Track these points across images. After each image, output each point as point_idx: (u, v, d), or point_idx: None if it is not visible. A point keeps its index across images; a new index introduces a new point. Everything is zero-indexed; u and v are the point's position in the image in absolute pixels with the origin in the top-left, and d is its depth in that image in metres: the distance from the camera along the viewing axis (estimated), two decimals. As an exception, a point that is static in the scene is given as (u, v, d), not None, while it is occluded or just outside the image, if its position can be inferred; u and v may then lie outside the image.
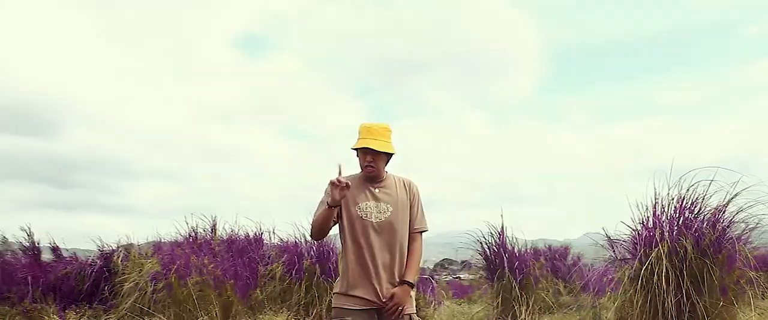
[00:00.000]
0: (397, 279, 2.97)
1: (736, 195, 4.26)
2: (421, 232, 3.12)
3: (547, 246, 11.81)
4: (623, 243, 4.82)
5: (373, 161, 2.96)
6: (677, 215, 4.44)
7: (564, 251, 12.13)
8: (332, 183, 2.75)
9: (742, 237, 4.21)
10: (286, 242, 8.13)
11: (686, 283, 4.09)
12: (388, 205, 3.00)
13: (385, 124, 3.03)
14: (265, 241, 8.44)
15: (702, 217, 4.39)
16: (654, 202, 4.57)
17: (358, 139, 2.98)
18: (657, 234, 4.39)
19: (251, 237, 8.35)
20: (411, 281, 2.99)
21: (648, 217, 4.64)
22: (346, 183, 2.76)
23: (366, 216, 2.96)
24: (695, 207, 4.41)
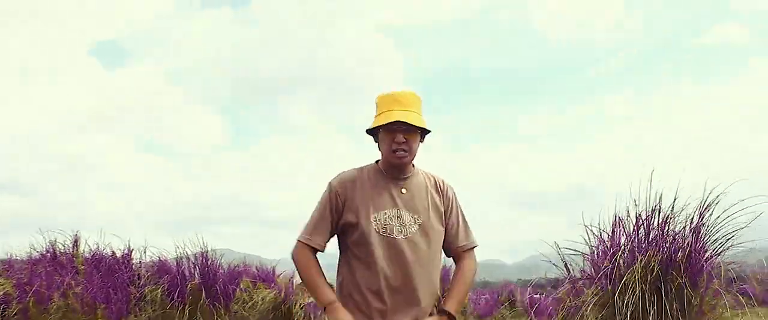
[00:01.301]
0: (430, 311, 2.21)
1: (708, 205, 3.82)
2: (471, 249, 2.33)
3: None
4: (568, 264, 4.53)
5: (407, 143, 2.13)
6: (646, 228, 3.99)
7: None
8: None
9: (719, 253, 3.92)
10: (165, 261, 7.17)
11: (666, 307, 3.59)
12: (416, 215, 2.19)
13: (414, 92, 2.20)
14: (134, 260, 7.56)
15: (674, 230, 3.98)
16: (615, 216, 4.28)
17: (378, 114, 2.17)
18: (626, 247, 3.94)
19: (119, 255, 7.41)
20: (451, 312, 2.20)
21: (605, 232, 4.22)
22: None
23: (386, 231, 2.13)
24: (670, 219, 4.07)
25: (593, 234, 4.37)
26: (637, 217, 4.13)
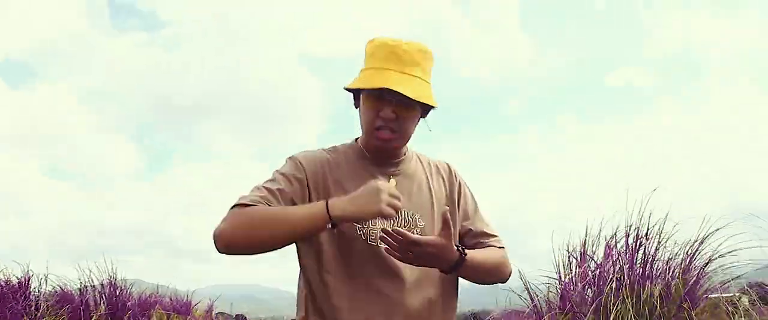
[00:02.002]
0: None
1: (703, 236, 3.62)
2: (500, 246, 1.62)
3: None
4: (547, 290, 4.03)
5: (398, 121, 1.45)
6: (636, 251, 3.71)
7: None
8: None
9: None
10: (67, 290, 6.46)
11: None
12: (416, 214, 1.52)
13: (422, 45, 1.47)
14: (32, 288, 6.69)
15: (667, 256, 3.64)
16: (607, 239, 3.82)
17: (365, 69, 1.48)
18: (614, 270, 3.41)
19: (15, 283, 6.51)
20: (466, 255, 1.44)
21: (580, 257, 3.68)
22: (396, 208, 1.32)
23: (375, 238, 1.45)
24: (660, 245, 3.68)
25: (568, 259, 3.93)
26: (634, 241, 3.68)
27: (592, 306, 3.41)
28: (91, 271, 6.42)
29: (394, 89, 1.37)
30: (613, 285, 3.42)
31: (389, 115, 1.43)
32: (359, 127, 1.53)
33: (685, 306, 3.23)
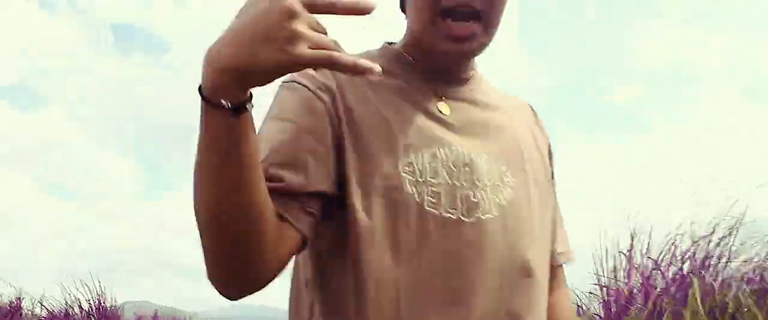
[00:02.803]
0: None
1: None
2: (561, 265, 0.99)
3: None
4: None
5: None
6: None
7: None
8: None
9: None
10: (56, 313, 6.23)
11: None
12: (500, 164, 0.85)
13: None
14: (25, 310, 6.53)
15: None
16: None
17: None
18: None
19: (7, 306, 6.37)
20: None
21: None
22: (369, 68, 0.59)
23: (438, 203, 0.78)
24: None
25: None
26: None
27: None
28: (80, 293, 6.24)
29: None
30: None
31: None
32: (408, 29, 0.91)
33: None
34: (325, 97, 0.80)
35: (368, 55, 0.88)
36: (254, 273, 0.71)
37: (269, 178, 0.71)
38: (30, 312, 6.64)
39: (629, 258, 3.77)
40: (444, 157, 0.81)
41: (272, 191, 0.70)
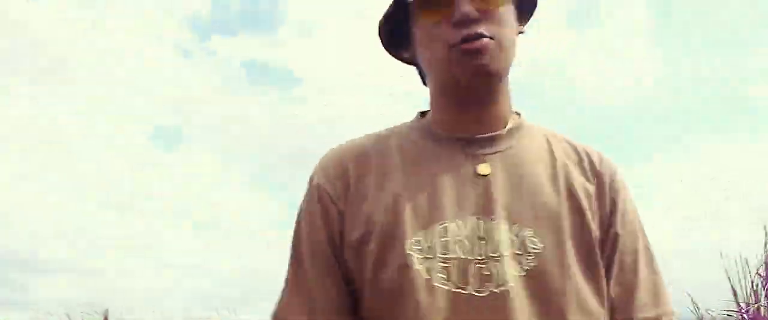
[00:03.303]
0: None
1: None
2: None
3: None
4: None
5: (487, 17, 0.83)
6: None
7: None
8: None
9: None
10: None
11: None
12: (529, 230, 0.81)
13: None
14: None
15: None
16: None
17: None
18: None
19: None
20: None
21: None
22: None
23: (450, 278, 0.78)
24: None
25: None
26: None
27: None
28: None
29: None
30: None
31: (466, 9, 0.82)
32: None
33: None
34: (333, 195, 0.87)
35: (402, 128, 0.93)
36: None
37: None
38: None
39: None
40: (456, 230, 0.80)
41: None
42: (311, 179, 0.91)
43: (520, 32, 0.91)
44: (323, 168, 0.90)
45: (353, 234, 0.83)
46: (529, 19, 0.94)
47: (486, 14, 0.82)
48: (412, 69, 0.98)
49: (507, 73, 0.87)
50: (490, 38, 0.82)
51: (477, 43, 0.81)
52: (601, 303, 0.82)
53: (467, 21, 0.81)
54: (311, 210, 0.88)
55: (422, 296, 0.77)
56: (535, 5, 0.93)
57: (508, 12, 0.86)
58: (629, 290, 0.85)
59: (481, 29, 0.81)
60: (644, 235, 0.90)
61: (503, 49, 0.84)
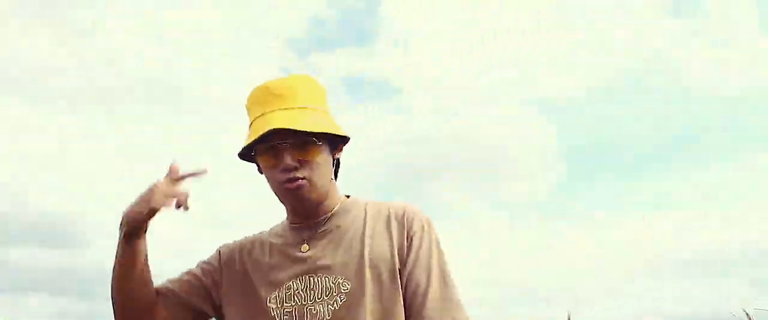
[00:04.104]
0: None
1: None
2: None
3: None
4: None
5: (302, 165, 1.25)
6: None
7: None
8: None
9: None
10: None
11: None
12: (339, 277, 1.26)
13: (303, 75, 1.35)
14: None
15: None
16: None
17: (250, 123, 1.31)
18: None
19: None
20: None
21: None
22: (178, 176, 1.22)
23: (294, 315, 1.24)
24: None
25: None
26: None
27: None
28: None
29: (281, 127, 1.19)
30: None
31: (288, 162, 1.21)
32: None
33: None
34: (223, 257, 1.38)
35: (278, 224, 1.40)
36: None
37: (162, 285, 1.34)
38: None
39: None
40: (296, 287, 1.25)
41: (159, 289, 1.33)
42: (220, 247, 1.43)
43: (336, 158, 1.32)
44: (227, 246, 1.42)
45: (230, 310, 1.34)
46: (345, 145, 1.34)
47: (303, 163, 1.22)
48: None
49: (324, 193, 1.28)
50: (304, 179, 1.23)
51: (294, 184, 1.22)
52: (401, 314, 1.22)
53: (289, 168, 1.21)
54: (213, 256, 1.43)
55: None
56: (348, 139, 1.33)
57: (321, 157, 1.25)
58: (421, 299, 1.22)
59: (298, 174, 1.22)
60: (438, 259, 1.27)
61: (314, 184, 1.24)
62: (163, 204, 1.17)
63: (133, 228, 1.20)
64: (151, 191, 1.18)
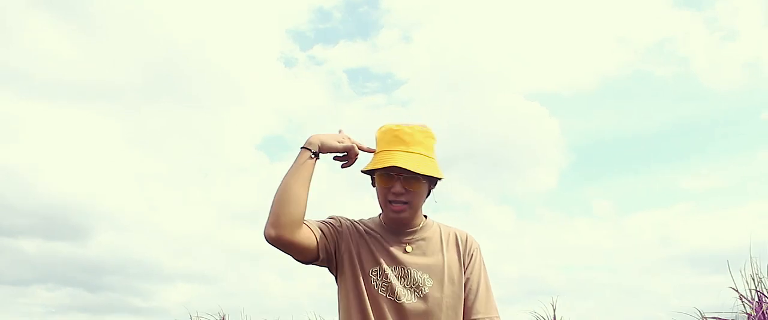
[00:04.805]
0: None
1: None
2: None
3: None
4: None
5: (407, 194, 1.68)
6: None
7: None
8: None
9: None
10: None
11: None
12: (426, 275, 1.72)
13: (424, 127, 1.74)
14: None
15: None
16: None
17: (377, 153, 1.73)
18: None
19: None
20: None
21: None
22: (354, 150, 1.73)
23: (386, 292, 1.68)
24: None
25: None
26: None
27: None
28: None
29: (400, 166, 1.60)
30: None
31: (399, 189, 1.66)
32: (377, 203, 1.76)
33: None
34: (344, 227, 1.75)
35: (371, 219, 1.82)
36: (289, 228, 1.58)
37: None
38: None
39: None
40: (392, 272, 1.70)
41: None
42: (339, 216, 1.80)
43: (430, 191, 1.75)
44: (346, 220, 1.79)
45: (344, 259, 1.72)
46: (436, 183, 1.76)
47: (408, 192, 1.66)
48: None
49: (416, 214, 1.73)
50: (406, 203, 1.67)
51: (398, 206, 1.67)
52: (461, 308, 1.72)
53: (398, 194, 1.65)
54: (339, 221, 1.77)
55: (372, 301, 1.66)
56: (439, 180, 1.74)
57: (422, 188, 1.68)
58: (474, 302, 1.73)
59: (403, 199, 1.66)
60: (485, 274, 1.79)
61: (413, 208, 1.70)
62: (351, 149, 1.69)
63: (322, 150, 1.66)
64: (344, 136, 1.70)
